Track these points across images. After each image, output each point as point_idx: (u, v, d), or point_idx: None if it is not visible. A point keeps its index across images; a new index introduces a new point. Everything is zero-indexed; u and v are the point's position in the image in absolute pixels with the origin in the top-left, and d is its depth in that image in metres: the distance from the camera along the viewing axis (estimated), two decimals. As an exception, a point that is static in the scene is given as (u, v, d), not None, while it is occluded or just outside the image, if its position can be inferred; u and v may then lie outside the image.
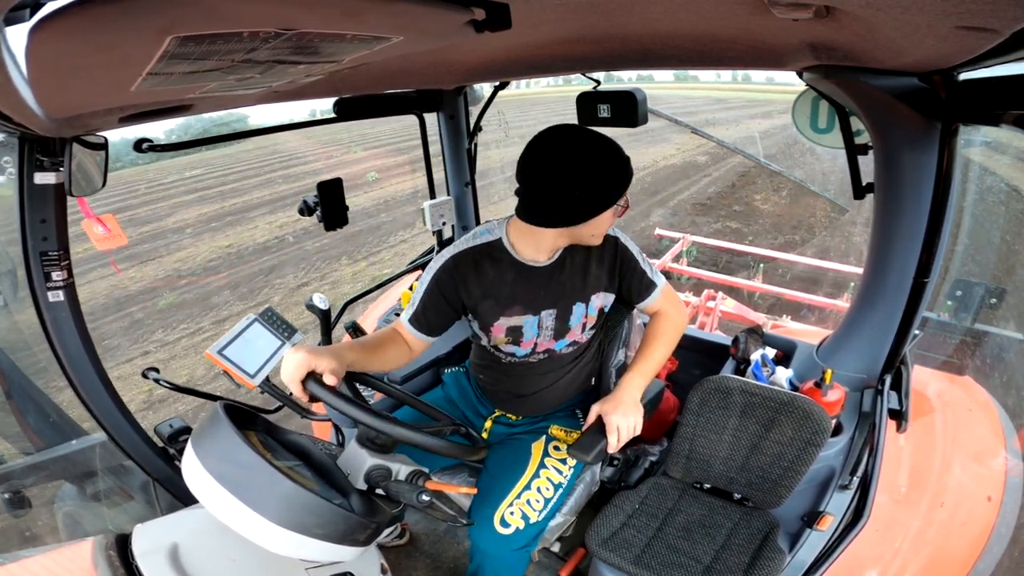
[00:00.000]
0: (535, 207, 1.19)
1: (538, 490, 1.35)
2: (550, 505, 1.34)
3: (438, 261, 1.32)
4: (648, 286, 1.37)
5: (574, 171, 1.13)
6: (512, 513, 1.30)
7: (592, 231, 1.23)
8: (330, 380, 1.02)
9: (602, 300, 1.37)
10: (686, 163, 12.66)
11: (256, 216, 10.76)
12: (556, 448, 1.44)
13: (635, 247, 1.36)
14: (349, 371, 1.14)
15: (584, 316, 1.36)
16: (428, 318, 1.32)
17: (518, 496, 1.32)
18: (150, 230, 10.70)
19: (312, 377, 1.01)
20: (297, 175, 14.90)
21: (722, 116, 21.91)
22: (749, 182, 10.43)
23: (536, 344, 1.37)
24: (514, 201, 1.23)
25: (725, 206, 9.33)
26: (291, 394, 1.06)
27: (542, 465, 1.39)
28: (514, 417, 1.53)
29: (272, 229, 9.77)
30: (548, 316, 1.34)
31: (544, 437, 1.46)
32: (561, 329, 1.36)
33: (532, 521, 1.30)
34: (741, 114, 23.23)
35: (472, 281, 1.30)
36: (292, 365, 1.00)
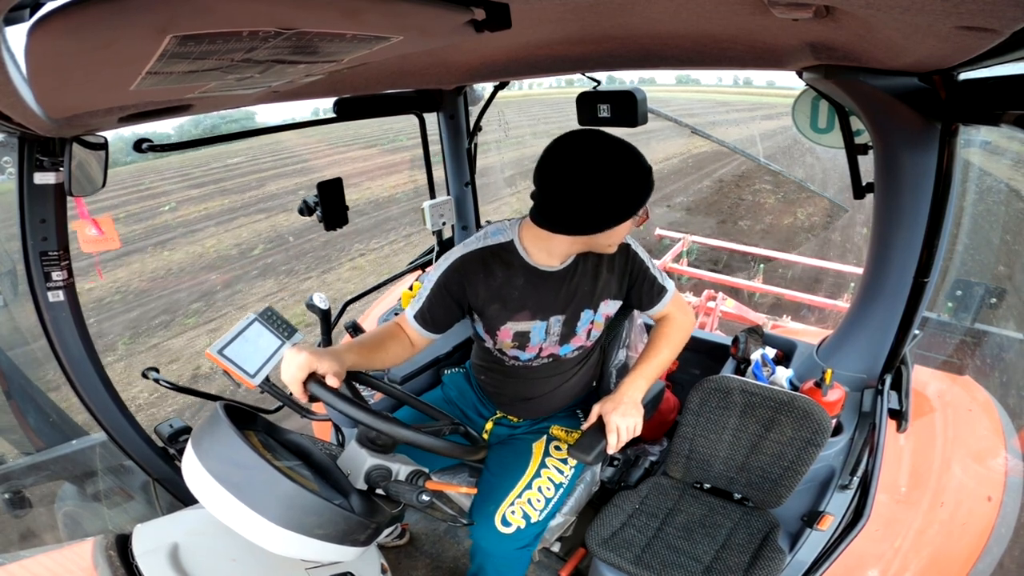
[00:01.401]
0: (552, 213, 1.15)
1: (539, 489, 1.35)
2: (551, 505, 1.34)
3: (447, 259, 1.29)
4: (659, 292, 1.36)
5: (596, 180, 1.09)
6: (513, 512, 1.30)
7: (609, 240, 1.20)
8: (332, 382, 1.01)
9: (610, 307, 1.37)
10: (715, 151, 14.46)
11: (357, 183, 12.65)
12: (557, 448, 1.44)
13: (645, 253, 1.36)
14: (349, 371, 1.13)
15: (591, 323, 1.35)
16: (433, 315, 1.29)
17: (519, 495, 1.32)
18: (256, 195, 12.86)
19: (314, 378, 1.00)
20: (357, 158, 16.71)
21: (725, 118, 23.46)
22: (773, 162, 12.76)
23: (541, 349, 1.36)
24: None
25: (757, 177, 11.48)
26: (291, 394, 1.06)
27: (543, 465, 1.39)
28: (515, 419, 1.53)
29: (386, 189, 11.81)
30: (556, 322, 1.32)
31: (545, 437, 1.46)
32: (567, 334, 1.35)
33: (533, 520, 1.30)
34: (742, 116, 24.76)
35: (480, 283, 1.27)
36: (294, 366, 0.99)
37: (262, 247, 8.38)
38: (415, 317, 1.30)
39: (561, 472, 1.39)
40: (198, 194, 13.70)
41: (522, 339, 1.32)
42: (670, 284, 1.38)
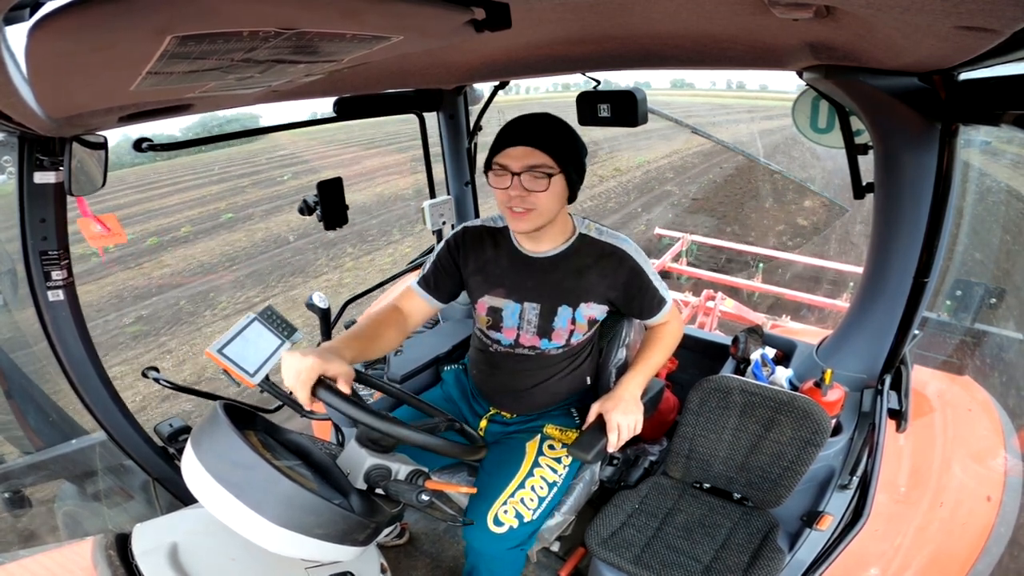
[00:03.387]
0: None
1: (532, 489, 1.35)
2: (544, 504, 1.34)
3: (455, 228, 1.47)
4: (659, 304, 1.40)
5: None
6: (506, 512, 1.30)
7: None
8: (345, 388, 1.01)
9: (593, 311, 1.39)
10: (736, 141, 18.49)
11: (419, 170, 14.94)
12: (551, 447, 1.44)
13: (648, 265, 1.38)
14: (382, 383, 1.20)
15: (571, 322, 1.37)
16: (437, 279, 1.44)
17: (512, 495, 1.32)
18: (362, 168, 14.89)
19: (323, 384, 0.98)
20: (405, 148, 18.25)
21: (726, 119, 25.76)
22: (788, 148, 15.77)
23: (519, 336, 1.41)
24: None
25: (784, 152, 14.58)
26: (291, 393, 1.06)
27: (536, 464, 1.39)
28: (508, 415, 1.53)
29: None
30: (531, 309, 1.38)
31: (539, 436, 1.46)
32: (545, 328, 1.38)
33: (526, 520, 1.30)
34: (741, 117, 27.17)
35: (471, 254, 1.42)
36: (303, 369, 0.97)
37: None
38: (419, 282, 1.45)
39: (555, 471, 1.39)
40: (302, 169, 16.39)
41: (495, 316, 1.41)
42: (669, 296, 1.42)
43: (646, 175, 12.75)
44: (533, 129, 1.22)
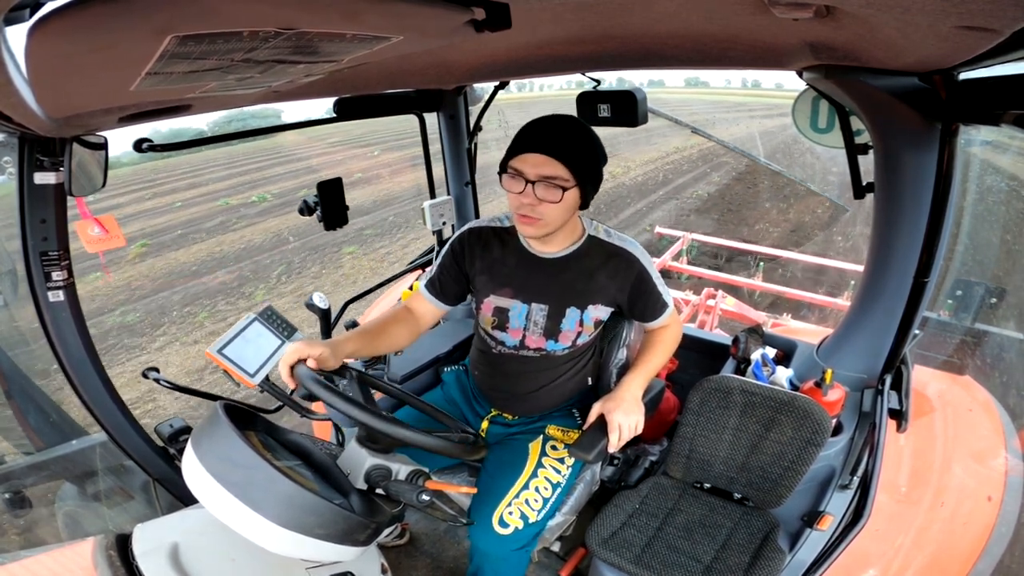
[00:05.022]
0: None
1: (536, 490, 1.35)
2: (549, 505, 1.34)
3: (459, 230, 1.45)
4: (661, 308, 1.40)
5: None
6: (511, 513, 1.30)
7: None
8: (311, 363, 1.07)
9: (600, 312, 1.39)
10: (767, 130, 20.68)
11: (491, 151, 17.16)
12: (553, 448, 1.44)
13: (653, 268, 1.38)
14: (361, 374, 1.17)
15: (578, 324, 1.37)
16: (443, 282, 1.43)
17: (516, 496, 1.32)
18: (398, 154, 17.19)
19: (301, 364, 1.05)
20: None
21: (724, 117, 26.87)
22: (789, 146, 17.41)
23: (525, 337, 1.40)
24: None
25: (783, 150, 16.34)
26: (291, 392, 1.06)
27: (540, 465, 1.39)
28: (510, 416, 1.53)
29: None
30: (539, 311, 1.37)
31: (541, 437, 1.46)
32: (552, 329, 1.38)
33: (531, 521, 1.30)
34: (741, 115, 28.09)
35: (478, 255, 1.41)
36: (289, 351, 1.07)
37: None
38: (426, 285, 1.45)
39: (558, 472, 1.39)
40: (384, 148, 18.75)
41: (501, 317, 1.39)
42: (670, 299, 1.42)
43: (701, 152, 15.70)
44: (554, 136, 1.19)
